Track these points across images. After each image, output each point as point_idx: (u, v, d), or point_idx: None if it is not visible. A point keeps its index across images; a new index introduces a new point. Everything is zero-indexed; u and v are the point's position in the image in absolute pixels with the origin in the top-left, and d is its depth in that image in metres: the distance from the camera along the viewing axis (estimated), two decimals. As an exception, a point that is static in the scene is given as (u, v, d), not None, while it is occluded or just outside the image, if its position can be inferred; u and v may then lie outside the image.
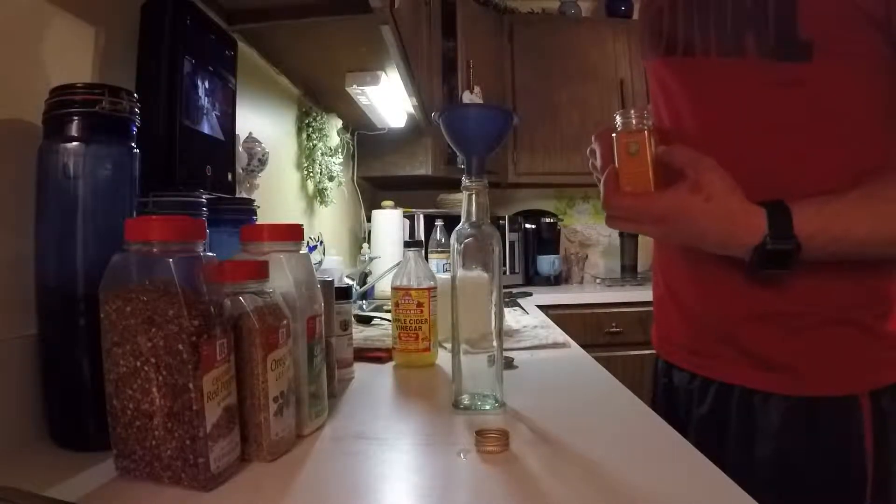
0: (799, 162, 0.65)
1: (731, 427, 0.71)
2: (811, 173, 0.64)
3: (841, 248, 0.60)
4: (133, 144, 0.57)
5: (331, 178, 1.79)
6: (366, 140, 2.27)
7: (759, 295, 0.68)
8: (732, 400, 0.71)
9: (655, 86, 0.80)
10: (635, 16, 2.93)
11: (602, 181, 0.66)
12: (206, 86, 0.86)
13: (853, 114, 0.64)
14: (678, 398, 0.80)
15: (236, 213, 0.83)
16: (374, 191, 2.68)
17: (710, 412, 0.74)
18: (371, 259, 1.94)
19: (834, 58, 0.62)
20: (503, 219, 2.62)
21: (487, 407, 0.67)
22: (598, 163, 0.75)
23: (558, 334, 1.20)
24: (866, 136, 0.64)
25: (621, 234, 2.91)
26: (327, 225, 1.88)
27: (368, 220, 2.28)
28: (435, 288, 0.94)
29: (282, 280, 0.57)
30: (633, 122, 0.64)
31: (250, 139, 1.18)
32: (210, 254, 0.52)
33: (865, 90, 0.64)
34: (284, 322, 0.54)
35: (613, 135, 0.66)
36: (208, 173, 0.87)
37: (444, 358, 0.94)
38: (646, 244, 3.04)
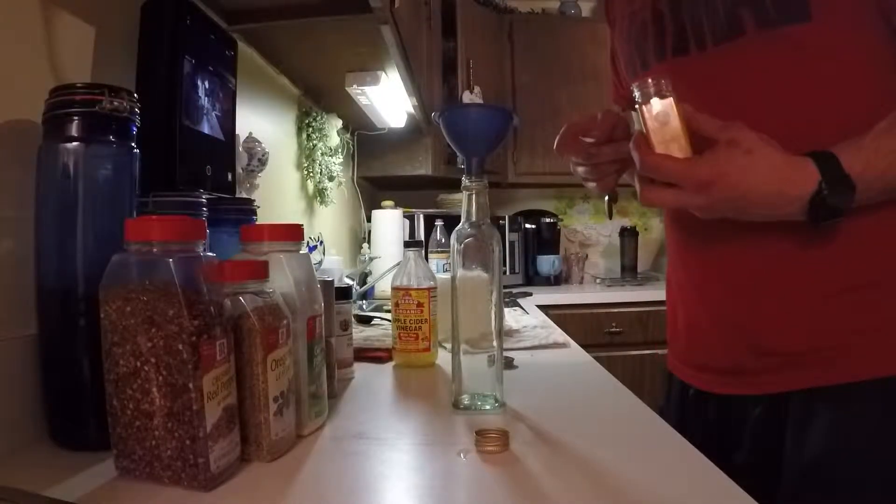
0: (815, 130, 0.62)
1: (787, 432, 0.67)
2: (830, 138, 0.60)
3: (888, 184, 0.58)
4: (133, 144, 0.57)
5: (331, 178, 1.79)
6: (366, 140, 2.26)
7: (801, 275, 0.65)
8: (790, 406, 0.67)
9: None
10: (635, 16, 2.93)
11: (632, 146, 0.61)
12: (206, 86, 0.86)
13: (861, 69, 0.63)
14: (712, 426, 0.75)
15: (236, 213, 0.83)
16: (374, 191, 2.68)
17: (764, 424, 0.70)
18: (371, 259, 1.94)
19: (833, 14, 0.62)
20: (503, 219, 2.62)
21: (487, 407, 0.67)
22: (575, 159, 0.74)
23: (558, 334, 1.19)
24: (879, 90, 0.63)
25: (621, 235, 2.91)
26: (327, 225, 1.88)
27: (368, 220, 2.28)
28: (435, 288, 0.94)
29: (282, 280, 0.57)
30: (654, 90, 0.60)
31: (250, 139, 1.18)
32: (210, 254, 0.52)
33: (869, 44, 0.63)
34: (284, 322, 0.54)
35: (635, 107, 0.61)
36: (208, 173, 0.87)
37: (444, 358, 0.94)
38: (646, 244, 3.04)
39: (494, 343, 0.67)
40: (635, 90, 0.61)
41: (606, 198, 0.81)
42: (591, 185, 0.80)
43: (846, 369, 0.64)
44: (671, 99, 0.59)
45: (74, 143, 0.53)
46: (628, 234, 2.90)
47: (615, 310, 2.39)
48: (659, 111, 0.59)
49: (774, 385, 0.69)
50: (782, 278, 0.67)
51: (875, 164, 0.57)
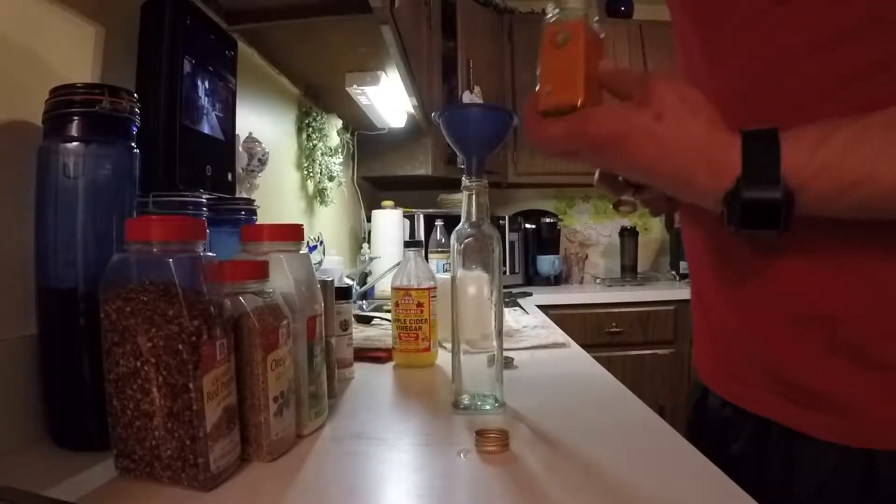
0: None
1: (768, 469, 0.55)
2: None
3: (861, 201, 0.39)
4: (133, 144, 0.57)
5: (331, 178, 1.79)
6: (366, 140, 2.27)
7: (809, 299, 0.48)
8: (770, 439, 0.54)
9: (676, 41, 0.63)
10: (635, 16, 2.93)
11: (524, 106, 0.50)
12: (206, 86, 0.86)
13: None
14: (711, 425, 0.64)
15: (236, 213, 0.83)
16: (374, 191, 2.68)
17: (745, 449, 0.58)
18: (371, 259, 1.94)
19: None
20: (503, 219, 2.62)
21: (487, 407, 0.67)
22: None
23: (558, 334, 1.20)
24: None
25: (621, 235, 2.91)
26: (327, 225, 1.88)
27: (368, 220, 2.28)
28: (435, 288, 0.94)
29: (282, 280, 0.57)
30: (567, 9, 0.48)
31: (250, 139, 1.18)
32: (210, 254, 0.52)
33: None
34: (284, 322, 0.54)
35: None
36: (208, 173, 0.87)
37: (444, 358, 0.94)
38: (646, 244, 3.04)
39: (494, 343, 0.67)
40: (547, 8, 0.50)
41: (662, 217, 0.71)
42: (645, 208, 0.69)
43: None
44: (581, 23, 0.47)
45: (74, 143, 0.53)
46: (628, 234, 2.90)
47: (615, 310, 2.39)
48: (559, 33, 0.48)
49: (764, 408, 0.55)
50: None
51: (840, 168, 0.39)
